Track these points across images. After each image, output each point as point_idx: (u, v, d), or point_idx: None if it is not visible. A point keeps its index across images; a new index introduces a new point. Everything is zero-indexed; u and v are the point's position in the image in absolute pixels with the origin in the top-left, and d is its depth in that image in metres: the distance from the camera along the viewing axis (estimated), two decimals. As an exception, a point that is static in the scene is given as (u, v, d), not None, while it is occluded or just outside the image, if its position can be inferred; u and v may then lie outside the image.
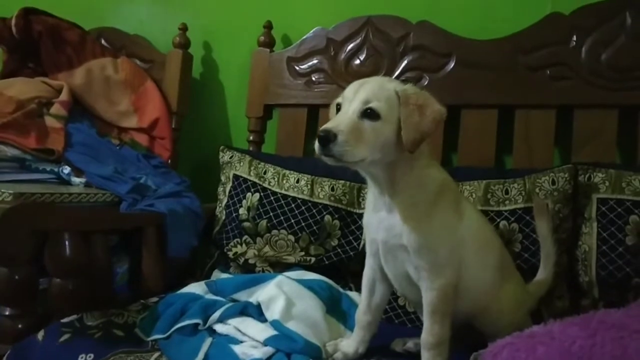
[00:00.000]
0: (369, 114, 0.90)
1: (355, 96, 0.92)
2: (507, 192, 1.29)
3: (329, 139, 0.86)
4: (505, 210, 1.27)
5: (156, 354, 1.03)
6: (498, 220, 1.26)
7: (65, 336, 1.07)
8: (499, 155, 1.46)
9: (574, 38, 1.36)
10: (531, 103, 1.41)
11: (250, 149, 1.74)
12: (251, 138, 1.75)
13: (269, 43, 1.76)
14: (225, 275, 1.43)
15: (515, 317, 1.05)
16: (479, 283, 1.03)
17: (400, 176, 0.96)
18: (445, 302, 0.97)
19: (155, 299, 1.28)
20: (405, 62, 1.54)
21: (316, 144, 0.88)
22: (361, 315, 1.09)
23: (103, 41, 1.97)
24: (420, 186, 0.96)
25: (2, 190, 1.19)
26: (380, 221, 1.00)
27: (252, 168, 1.57)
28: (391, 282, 1.07)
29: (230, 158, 1.63)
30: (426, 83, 1.51)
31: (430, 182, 0.97)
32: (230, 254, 1.49)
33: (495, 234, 1.13)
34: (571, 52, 1.37)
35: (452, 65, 1.49)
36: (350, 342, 1.09)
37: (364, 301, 1.10)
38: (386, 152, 0.92)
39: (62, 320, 1.12)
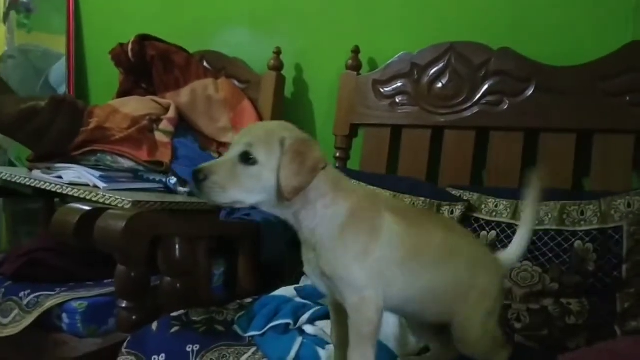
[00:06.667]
0: (247, 158, 0.88)
1: (239, 140, 0.91)
2: (582, 214, 1.32)
3: (198, 178, 0.88)
4: (581, 231, 1.30)
5: (253, 349, 1.12)
6: (573, 240, 1.30)
7: (175, 328, 1.17)
8: (577, 177, 1.49)
9: (654, 66, 1.39)
10: (609, 128, 1.43)
11: (337, 165, 1.83)
12: (338, 155, 1.85)
13: (356, 66, 1.86)
14: (312, 281, 1.53)
15: (487, 325, 1.00)
16: (415, 292, 0.97)
17: (304, 218, 0.93)
18: (369, 324, 0.90)
19: (250, 300, 1.39)
20: (486, 86, 1.60)
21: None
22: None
23: (205, 63, 2.13)
24: (324, 225, 0.92)
25: (123, 198, 1.34)
26: (309, 261, 0.99)
27: (338, 183, 1.66)
28: None
29: (319, 173, 1.72)
30: (506, 107, 1.56)
31: (334, 219, 0.92)
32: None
33: (437, 232, 1.00)
34: (650, 79, 1.39)
35: (531, 90, 1.53)
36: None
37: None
38: (268, 197, 0.90)
39: (172, 314, 1.21)
